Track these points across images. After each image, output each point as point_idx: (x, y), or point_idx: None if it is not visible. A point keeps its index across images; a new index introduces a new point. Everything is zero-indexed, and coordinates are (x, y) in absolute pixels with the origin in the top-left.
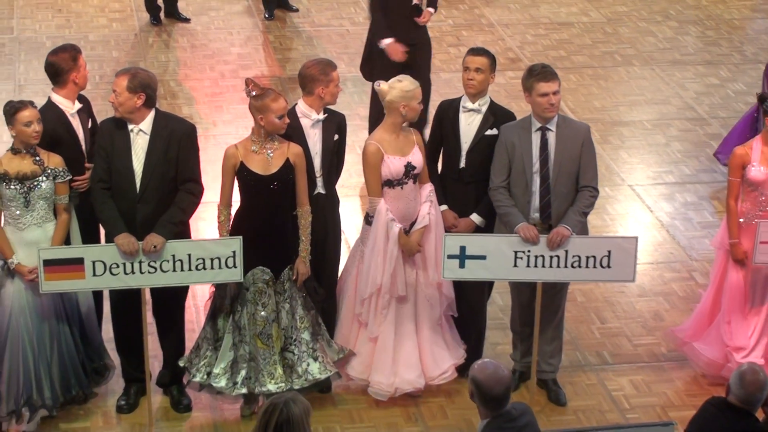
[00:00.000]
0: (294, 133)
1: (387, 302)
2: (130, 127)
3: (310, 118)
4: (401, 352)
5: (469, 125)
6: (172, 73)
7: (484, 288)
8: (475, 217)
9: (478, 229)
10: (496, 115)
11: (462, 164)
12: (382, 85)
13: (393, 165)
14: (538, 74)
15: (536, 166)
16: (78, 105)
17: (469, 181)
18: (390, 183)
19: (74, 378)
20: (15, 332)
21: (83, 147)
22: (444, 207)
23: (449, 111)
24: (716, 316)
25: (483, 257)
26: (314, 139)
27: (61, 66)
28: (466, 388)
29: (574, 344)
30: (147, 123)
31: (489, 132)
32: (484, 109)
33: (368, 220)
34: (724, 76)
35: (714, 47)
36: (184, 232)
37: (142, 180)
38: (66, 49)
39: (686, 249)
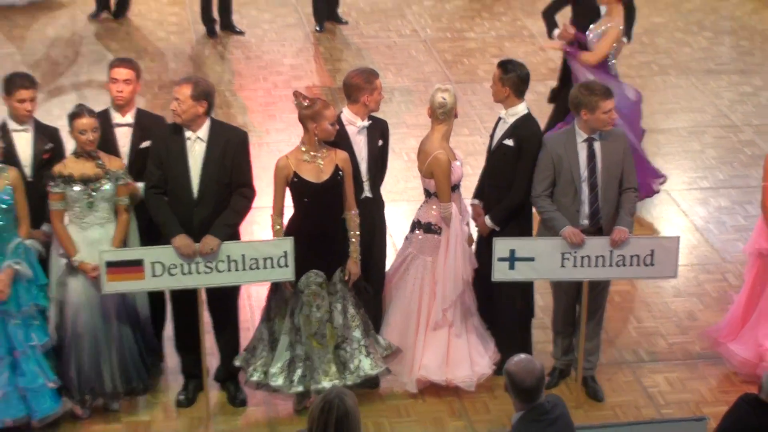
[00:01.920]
0: (341, 140)
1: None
2: (187, 134)
3: (355, 125)
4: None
5: (494, 135)
6: (227, 83)
7: (531, 289)
8: (487, 220)
9: (493, 233)
10: (518, 127)
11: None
12: (442, 97)
13: (457, 170)
14: (601, 93)
15: (584, 175)
16: (129, 119)
17: (482, 192)
18: (454, 187)
19: (134, 370)
20: (80, 325)
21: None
22: (476, 201)
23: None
24: (750, 317)
25: (531, 259)
26: (360, 145)
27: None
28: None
29: (611, 342)
30: (204, 131)
31: (507, 141)
32: (511, 120)
33: (432, 228)
34: (757, 85)
35: (748, 57)
36: (235, 234)
37: (200, 185)
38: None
39: (720, 252)
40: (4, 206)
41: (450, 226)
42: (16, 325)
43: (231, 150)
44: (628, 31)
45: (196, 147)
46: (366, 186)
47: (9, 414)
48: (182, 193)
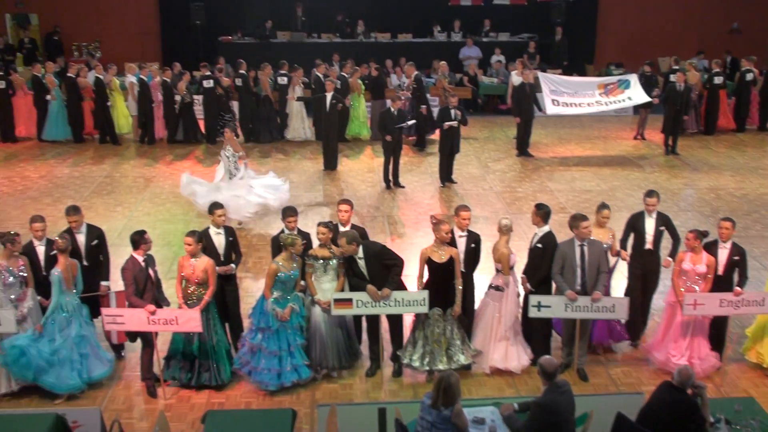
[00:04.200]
0: (452, 242)
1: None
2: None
3: (458, 236)
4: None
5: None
6: (397, 213)
7: (550, 321)
8: (528, 286)
9: (530, 292)
10: (544, 238)
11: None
12: (506, 221)
13: (512, 259)
14: (579, 218)
15: (578, 263)
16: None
17: (526, 270)
18: (511, 268)
19: (344, 355)
20: (319, 330)
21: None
22: (524, 275)
23: None
24: (664, 338)
25: (549, 306)
26: (461, 247)
27: None
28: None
29: (592, 348)
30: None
31: (538, 245)
32: (540, 234)
33: (499, 288)
34: None
35: None
36: (400, 285)
37: (368, 272)
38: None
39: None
40: (292, 277)
41: (507, 288)
42: (290, 333)
43: (379, 255)
44: None
45: (361, 262)
46: (462, 266)
47: (288, 379)
48: (363, 277)
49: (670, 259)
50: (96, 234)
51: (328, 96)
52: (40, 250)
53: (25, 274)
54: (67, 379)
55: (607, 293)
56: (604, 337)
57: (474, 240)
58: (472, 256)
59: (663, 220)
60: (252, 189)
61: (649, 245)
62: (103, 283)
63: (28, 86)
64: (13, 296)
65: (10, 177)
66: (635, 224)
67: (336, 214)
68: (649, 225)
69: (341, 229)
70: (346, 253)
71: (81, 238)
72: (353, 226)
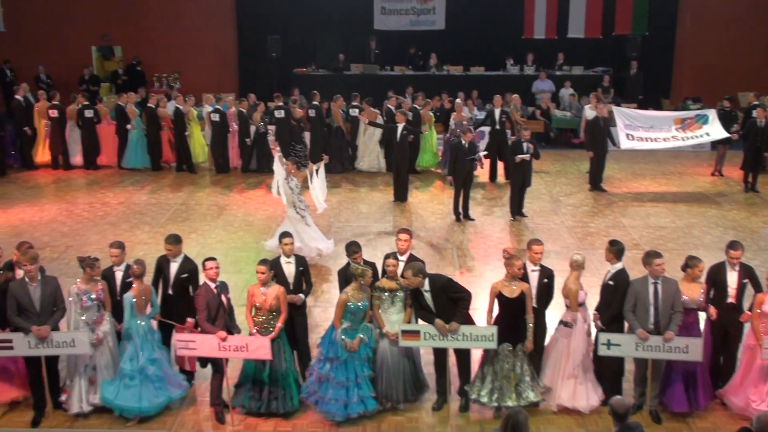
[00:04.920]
0: (524, 277)
1: None
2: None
3: (531, 270)
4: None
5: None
6: (466, 244)
7: (623, 360)
8: (599, 323)
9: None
10: (616, 275)
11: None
12: (578, 257)
13: (581, 296)
14: (653, 255)
15: (651, 301)
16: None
17: (598, 308)
18: (581, 304)
19: (410, 388)
20: (386, 362)
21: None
22: (596, 312)
23: None
24: (743, 383)
25: (620, 345)
26: (534, 282)
27: None
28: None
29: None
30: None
31: (610, 282)
32: (613, 271)
33: (568, 324)
34: None
35: None
36: (467, 320)
37: (434, 305)
38: None
39: None
40: (361, 308)
41: (575, 324)
42: (358, 363)
43: (445, 289)
44: None
45: (427, 295)
46: (534, 302)
47: (355, 410)
48: (430, 310)
49: (749, 313)
50: (188, 268)
51: (399, 127)
52: (119, 275)
53: (103, 298)
54: (141, 400)
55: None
56: (683, 406)
57: (547, 275)
58: (545, 292)
59: (747, 273)
60: (308, 227)
61: (731, 299)
62: (190, 319)
63: (111, 116)
64: (90, 319)
65: (92, 203)
66: (716, 277)
67: (396, 242)
68: (732, 278)
69: (399, 258)
70: (412, 286)
71: (173, 267)
72: (411, 257)
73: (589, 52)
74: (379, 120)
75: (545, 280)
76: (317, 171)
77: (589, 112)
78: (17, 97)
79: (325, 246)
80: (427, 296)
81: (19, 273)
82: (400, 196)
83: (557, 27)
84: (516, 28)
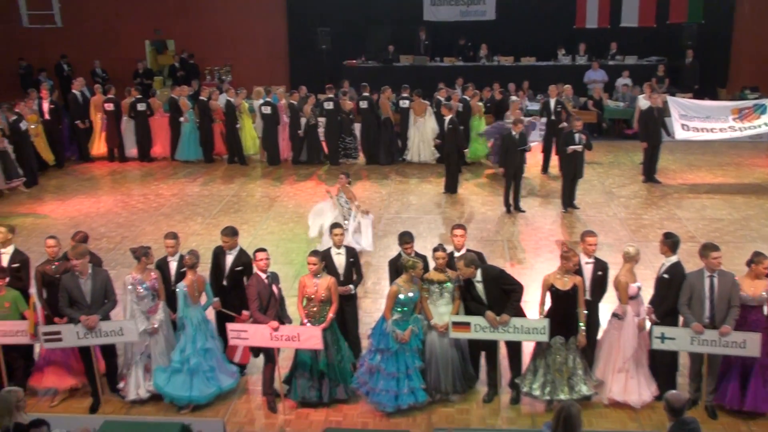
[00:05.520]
0: (577, 270)
1: None
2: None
3: (585, 262)
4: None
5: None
6: (516, 237)
7: (676, 354)
8: (653, 317)
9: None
10: (671, 268)
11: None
12: (631, 249)
13: (632, 289)
14: (710, 248)
15: (707, 295)
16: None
17: (652, 301)
18: (632, 297)
19: (458, 379)
20: (434, 354)
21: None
22: (649, 305)
23: None
24: None
25: (674, 338)
26: (587, 274)
27: None
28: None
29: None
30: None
31: (665, 275)
32: (668, 264)
33: (618, 316)
34: None
35: None
36: (519, 312)
37: (486, 298)
38: None
39: None
40: (412, 299)
41: (625, 317)
42: (408, 355)
43: (498, 280)
44: None
45: (479, 285)
46: (588, 295)
47: (405, 401)
48: (480, 302)
49: None
50: (243, 261)
51: (446, 120)
52: (173, 265)
53: (157, 287)
54: (192, 389)
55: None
56: (738, 402)
57: (601, 267)
58: (599, 284)
59: None
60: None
61: None
62: (246, 312)
63: (164, 108)
64: (145, 308)
65: (146, 194)
66: None
67: (450, 238)
68: None
69: (456, 254)
70: (464, 276)
71: (229, 259)
72: (468, 251)
73: (643, 41)
74: (429, 112)
75: (599, 273)
76: (355, 218)
77: (643, 102)
78: (74, 91)
79: (364, 245)
80: (479, 287)
81: None
82: (450, 187)
83: (610, 16)
84: (568, 18)
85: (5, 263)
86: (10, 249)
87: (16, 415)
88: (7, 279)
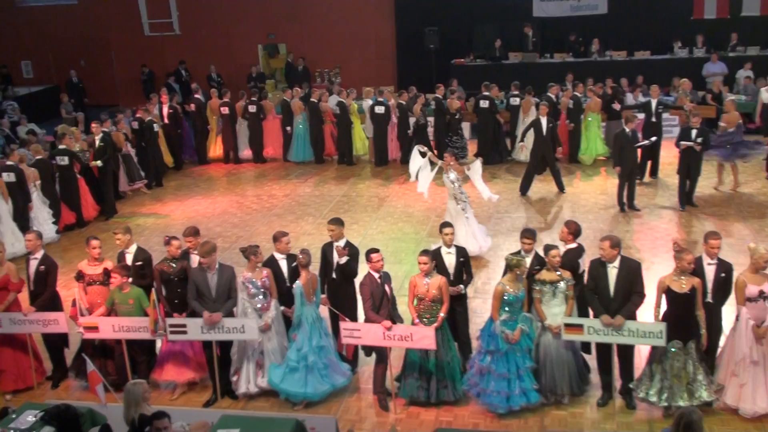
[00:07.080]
0: (695, 271)
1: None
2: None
3: (707, 263)
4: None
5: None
6: (631, 235)
7: None
8: None
9: None
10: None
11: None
12: (759, 246)
13: (751, 289)
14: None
15: None
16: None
17: None
18: (748, 299)
19: (574, 382)
20: (549, 356)
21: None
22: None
23: None
24: None
25: None
26: (710, 276)
27: None
28: None
29: None
30: (616, 262)
31: None
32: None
33: (738, 319)
34: None
35: None
36: (632, 315)
37: (614, 293)
38: None
39: None
40: (519, 298)
41: (740, 318)
42: (519, 355)
43: (632, 274)
44: None
45: (613, 272)
46: (709, 297)
47: (517, 403)
48: (605, 296)
49: None
50: (349, 252)
51: (544, 120)
52: (283, 263)
53: (268, 285)
54: (306, 386)
55: None
56: None
57: (725, 269)
58: (722, 287)
59: None
60: (468, 221)
61: None
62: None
63: (276, 111)
64: (257, 306)
65: (259, 195)
66: None
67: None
68: None
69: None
70: (605, 258)
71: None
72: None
73: (766, 30)
74: (533, 112)
75: (723, 275)
76: (469, 168)
77: (766, 96)
78: (197, 96)
79: (480, 245)
80: (612, 274)
81: (194, 259)
82: (557, 186)
83: (729, 5)
84: (684, 9)
85: (129, 262)
86: (132, 248)
87: (142, 406)
88: (130, 278)
